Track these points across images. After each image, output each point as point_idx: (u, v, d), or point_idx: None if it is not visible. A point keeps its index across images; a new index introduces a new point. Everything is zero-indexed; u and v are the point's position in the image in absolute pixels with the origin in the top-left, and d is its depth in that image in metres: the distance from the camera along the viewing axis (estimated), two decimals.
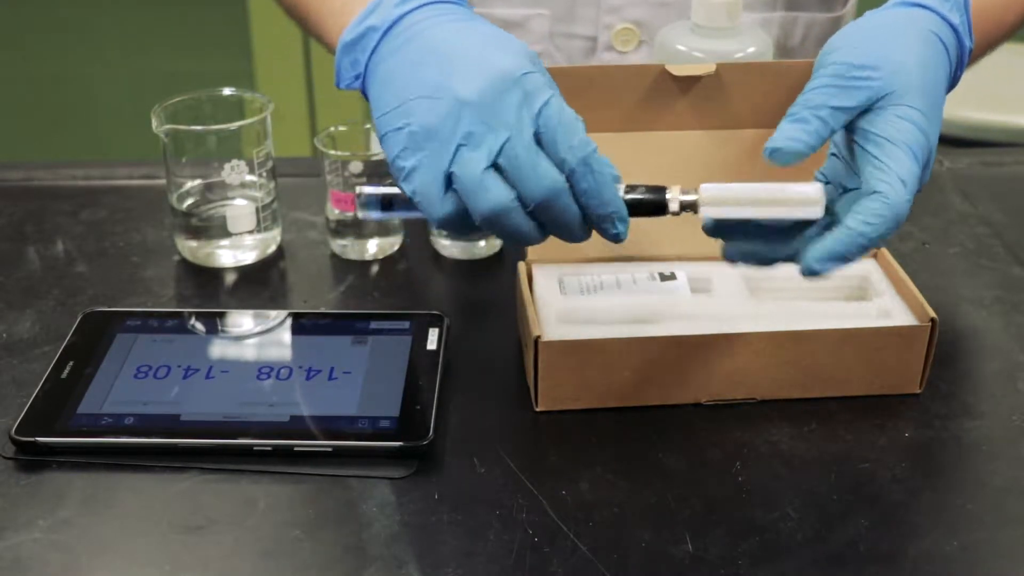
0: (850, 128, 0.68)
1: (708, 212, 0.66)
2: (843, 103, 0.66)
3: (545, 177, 0.62)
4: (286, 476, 0.70)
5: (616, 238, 0.65)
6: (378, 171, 0.91)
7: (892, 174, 0.65)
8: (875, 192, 0.64)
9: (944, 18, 0.70)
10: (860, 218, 0.64)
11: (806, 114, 0.66)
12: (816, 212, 0.65)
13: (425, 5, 0.68)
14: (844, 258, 0.65)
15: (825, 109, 0.66)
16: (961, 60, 0.72)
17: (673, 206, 0.66)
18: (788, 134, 0.66)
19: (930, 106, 0.67)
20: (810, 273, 0.66)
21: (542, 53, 1.08)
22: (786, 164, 0.66)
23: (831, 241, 0.65)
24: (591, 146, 0.63)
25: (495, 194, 0.62)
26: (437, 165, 0.63)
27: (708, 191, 0.66)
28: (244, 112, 0.92)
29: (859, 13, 1.14)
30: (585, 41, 1.06)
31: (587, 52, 1.06)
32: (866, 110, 0.67)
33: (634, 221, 0.85)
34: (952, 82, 0.73)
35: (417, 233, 0.95)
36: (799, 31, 1.04)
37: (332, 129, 0.92)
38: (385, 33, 0.68)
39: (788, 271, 0.84)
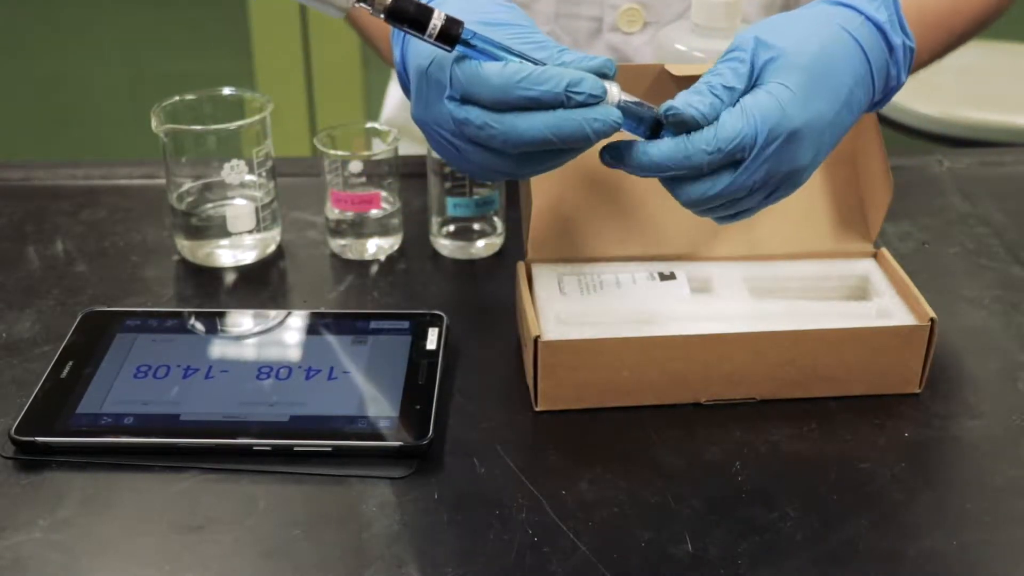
0: None
1: None
2: (734, 84, 0.68)
3: None
4: (286, 476, 0.70)
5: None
6: (377, 171, 0.91)
7: (713, 126, 0.66)
8: (688, 133, 0.66)
9: (867, 16, 0.71)
10: (656, 143, 0.66)
11: (703, 88, 0.68)
12: (338, 14, 0.65)
13: None
14: (622, 162, 0.66)
15: (719, 88, 0.68)
16: (895, 57, 0.71)
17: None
18: (687, 99, 0.67)
19: (807, 86, 0.67)
20: (602, 158, 0.68)
21: (548, 34, 1.08)
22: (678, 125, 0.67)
23: (622, 144, 0.66)
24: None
25: None
26: None
27: None
28: (244, 112, 0.92)
29: None
30: (590, 22, 1.06)
31: (592, 33, 1.06)
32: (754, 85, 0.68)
33: (637, 222, 0.85)
34: (890, 79, 0.72)
35: (416, 233, 0.95)
36: None
37: (332, 129, 0.92)
38: None
39: (788, 271, 0.84)
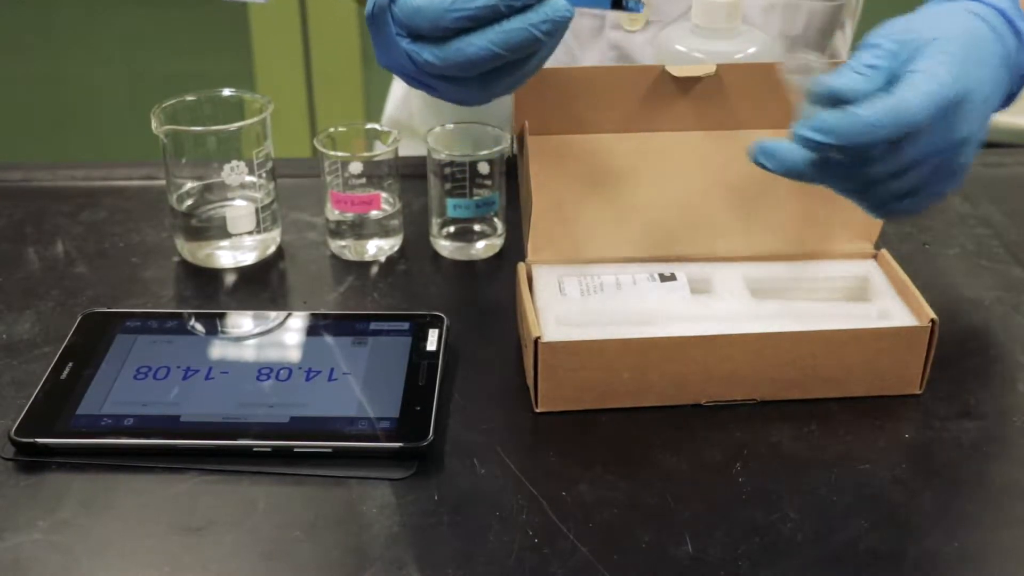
0: None
1: None
2: (876, 63, 0.66)
3: None
4: (286, 477, 0.70)
5: None
6: (377, 172, 0.91)
7: (911, 78, 0.64)
8: (893, 90, 0.64)
9: (988, 3, 0.71)
10: (865, 105, 0.63)
11: (845, 69, 0.66)
12: None
13: None
14: (834, 134, 0.63)
15: (862, 67, 0.66)
16: (1022, 44, 0.72)
17: None
18: (833, 75, 0.65)
19: (964, 59, 0.66)
20: (799, 140, 0.64)
21: None
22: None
23: (829, 116, 0.64)
24: None
25: None
26: None
27: None
28: (244, 113, 0.92)
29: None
30: (592, 19, 1.06)
31: (594, 31, 1.06)
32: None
33: (637, 223, 0.85)
34: (1020, 67, 0.73)
35: (417, 234, 0.95)
36: (801, 19, 1.04)
37: (332, 130, 0.92)
38: None
39: (788, 272, 0.84)
